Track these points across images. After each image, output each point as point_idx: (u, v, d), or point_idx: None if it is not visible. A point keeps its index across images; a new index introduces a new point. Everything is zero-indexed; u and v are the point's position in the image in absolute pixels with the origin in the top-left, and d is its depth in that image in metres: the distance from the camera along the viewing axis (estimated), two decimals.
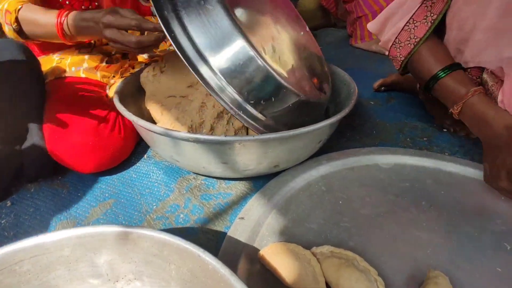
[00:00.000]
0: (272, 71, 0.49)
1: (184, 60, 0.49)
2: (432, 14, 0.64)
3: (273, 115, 0.52)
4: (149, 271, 0.37)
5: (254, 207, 0.55)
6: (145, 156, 0.72)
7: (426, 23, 0.65)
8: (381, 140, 0.79)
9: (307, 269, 0.43)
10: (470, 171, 0.65)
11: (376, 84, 1.07)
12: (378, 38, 0.78)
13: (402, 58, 0.69)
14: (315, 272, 0.43)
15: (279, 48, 0.57)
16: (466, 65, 0.65)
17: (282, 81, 0.50)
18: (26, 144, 0.64)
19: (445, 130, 0.83)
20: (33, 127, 0.64)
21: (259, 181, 0.63)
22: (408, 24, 0.66)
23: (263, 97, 0.50)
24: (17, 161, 0.63)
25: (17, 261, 0.34)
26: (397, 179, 0.64)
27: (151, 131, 0.53)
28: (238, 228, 0.51)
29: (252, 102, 0.50)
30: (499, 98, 0.59)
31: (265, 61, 0.49)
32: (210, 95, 0.61)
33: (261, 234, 0.51)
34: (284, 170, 0.63)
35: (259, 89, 0.50)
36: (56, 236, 0.35)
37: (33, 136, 0.64)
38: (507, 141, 0.54)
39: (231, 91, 0.50)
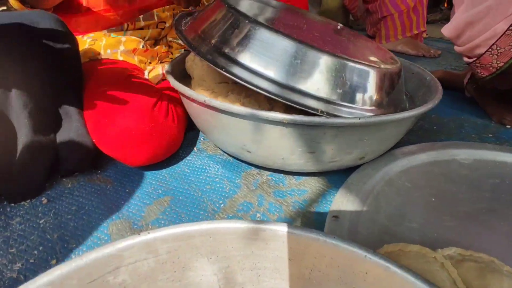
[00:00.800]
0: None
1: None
2: None
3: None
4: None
5: (343, 204, 0.47)
6: (195, 149, 0.63)
7: None
8: (446, 135, 0.73)
9: (442, 274, 0.35)
10: None
11: None
12: (454, 43, 0.72)
13: (501, 65, 0.63)
14: (452, 279, 0.35)
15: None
16: None
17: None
18: (63, 131, 0.54)
19: (508, 126, 0.78)
20: (71, 111, 0.55)
21: (332, 176, 0.56)
22: (510, 28, 0.60)
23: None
24: (52, 152, 0.53)
25: (119, 264, 0.25)
26: (483, 175, 0.57)
27: (230, 113, 0.45)
28: (334, 228, 0.43)
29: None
30: None
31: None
32: None
33: (361, 235, 0.43)
34: (364, 164, 0.56)
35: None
36: (175, 230, 0.26)
37: (72, 122, 0.54)
38: None
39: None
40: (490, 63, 0.65)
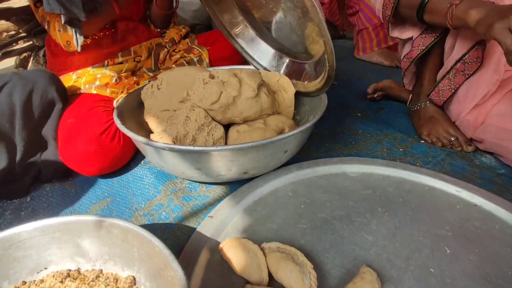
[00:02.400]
0: None
1: None
2: None
3: None
4: (119, 253, 0.46)
5: (223, 208, 0.64)
6: (142, 162, 0.83)
7: None
8: (358, 150, 0.85)
9: (253, 260, 0.50)
10: (431, 181, 0.69)
11: (369, 89, 1.12)
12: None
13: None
14: (260, 263, 0.50)
15: None
16: None
17: None
18: (46, 152, 0.77)
19: (422, 141, 0.87)
20: (51, 138, 0.77)
21: (235, 186, 0.72)
22: None
23: None
24: (37, 167, 0.76)
25: (21, 239, 0.45)
26: (361, 187, 0.70)
27: (137, 141, 0.63)
28: (206, 225, 0.60)
29: None
30: None
31: None
32: (194, 109, 0.71)
33: (226, 231, 0.59)
34: (257, 177, 0.71)
35: None
36: (49, 222, 0.46)
37: (50, 146, 0.77)
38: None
39: None
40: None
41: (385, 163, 0.75)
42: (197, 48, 1.12)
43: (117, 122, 0.69)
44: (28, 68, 1.51)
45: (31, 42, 1.54)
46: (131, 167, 0.81)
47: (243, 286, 0.49)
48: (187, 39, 1.18)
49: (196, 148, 0.58)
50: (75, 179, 0.79)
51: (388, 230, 0.59)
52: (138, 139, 0.62)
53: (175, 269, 0.38)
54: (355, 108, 1.07)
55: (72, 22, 0.76)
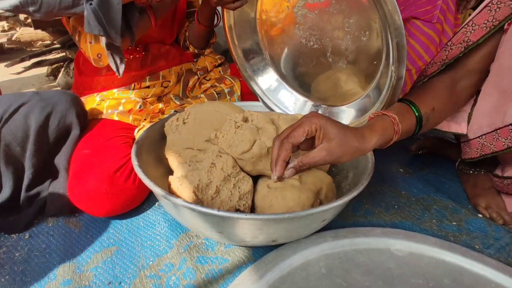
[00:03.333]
0: None
1: None
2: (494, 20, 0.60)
3: None
4: None
5: (244, 282, 0.53)
6: (156, 204, 0.74)
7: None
8: (402, 218, 0.73)
9: None
10: (500, 277, 0.56)
11: (414, 146, 1.00)
12: None
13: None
14: None
15: None
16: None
17: None
18: (55, 183, 0.70)
19: (480, 215, 0.75)
20: (63, 168, 0.70)
21: (260, 250, 0.62)
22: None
23: None
24: (43, 199, 0.69)
25: None
26: (409, 272, 0.58)
27: (154, 191, 0.55)
28: None
29: None
30: None
31: None
32: (221, 156, 0.63)
33: None
34: (286, 243, 0.61)
35: None
36: None
37: (61, 177, 0.69)
38: None
39: None
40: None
41: (438, 243, 0.63)
42: (229, 78, 1.05)
43: (134, 164, 0.60)
44: (58, 78, 1.50)
45: (64, 54, 1.53)
46: (143, 209, 0.73)
47: None
48: (220, 68, 1.11)
49: (221, 213, 0.48)
50: (81, 216, 0.71)
51: None
52: (156, 190, 0.53)
53: None
54: (395, 161, 0.96)
55: (112, 45, 0.70)
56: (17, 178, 0.68)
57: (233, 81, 1.04)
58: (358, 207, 0.75)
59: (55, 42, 1.54)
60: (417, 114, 0.61)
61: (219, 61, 1.11)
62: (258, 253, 0.61)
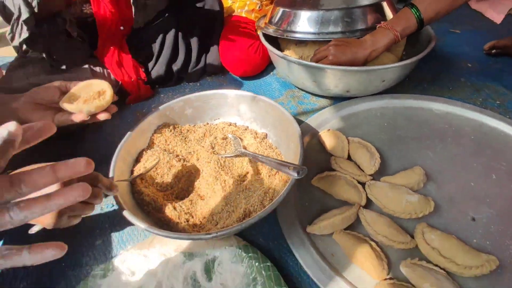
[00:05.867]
0: None
1: None
2: None
3: None
4: (260, 117, 0.77)
5: (326, 112, 0.89)
6: (271, 73, 1.12)
7: None
8: (452, 95, 0.96)
9: (340, 144, 0.76)
10: (510, 129, 0.79)
11: (487, 46, 1.13)
12: None
13: None
14: (344, 146, 0.76)
15: None
16: None
17: None
18: (210, 54, 1.12)
19: None
20: (215, 45, 1.11)
21: (337, 101, 0.95)
22: None
23: None
24: (204, 64, 1.12)
25: (210, 98, 0.80)
26: (440, 122, 0.84)
27: (273, 53, 0.91)
28: (312, 121, 0.86)
29: None
30: None
31: None
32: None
33: (324, 126, 0.85)
34: (356, 97, 0.92)
35: None
36: (226, 92, 0.78)
37: (213, 51, 1.11)
38: None
39: None
40: None
41: (472, 107, 0.87)
42: None
43: (264, 42, 0.96)
44: None
45: None
46: (263, 75, 1.11)
47: (329, 160, 0.76)
48: None
49: (316, 64, 0.82)
50: (225, 77, 1.13)
51: (449, 153, 0.76)
52: (276, 52, 0.89)
53: (295, 127, 0.67)
54: (467, 59, 1.12)
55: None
56: (188, 53, 1.12)
57: None
58: (418, 85, 1.00)
59: None
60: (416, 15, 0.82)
61: None
62: (336, 103, 0.95)
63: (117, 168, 0.63)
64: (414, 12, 0.82)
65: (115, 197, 0.57)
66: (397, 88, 0.94)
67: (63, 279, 0.59)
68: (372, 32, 0.85)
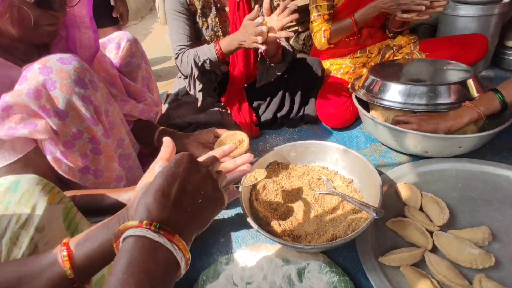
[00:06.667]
0: None
1: None
2: None
3: None
4: (348, 166, 0.99)
5: (405, 167, 1.05)
6: (358, 127, 1.33)
7: None
8: None
9: (414, 196, 0.92)
10: None
11: None
12: None
13: None
14: (417, 198, 0.91)
15: None
16: None
17: None
18: (308, 107, 1.39)
19: None
20: (313, 99, 1.38)
21: (415, 158, 1.11)
22: None
23: None
24: (302, 115, 1.40)
25: (312, 146, 1.05)
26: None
27: (363, 113, 1.12)
28: (391, 173, 1.04)
29: None
30: None
31: None
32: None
33: (401, 179, 1.02)
34: (433, 157, 1.07)
35: None
36: (315, 142, 1.03)
37: (311, 103, 1.38)
38: None
39: None
40: None
41: None
42: (417, 53, 1.46)
43: (356, 103, 1.19)
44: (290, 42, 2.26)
45: (296, 28, 2.25)
46: (351, 128, 1.33)
47: (402, 208, 0.92)
48: (411, 44, 1.52)
49: (399, 128, 1.01)
50: (319, 126, 1.38)
51: (507, 218, 0.85)
52: (365, 113, 1.11)
53: (376, 177, 0.86)
54: None
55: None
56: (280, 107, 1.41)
57: (419, 55, 1.45)
58: (496, 153, 1.10)
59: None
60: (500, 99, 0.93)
61: (412, 40, 1.51)
62: (414, 160, 1.11)
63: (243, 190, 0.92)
64: (498, 97, 0.96)
65: (243, 209, 0.84)
66: (475, 153, 1.06)
67: (198, 261, 0.88)
68: (457, 109, 1.00)
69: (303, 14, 2.18)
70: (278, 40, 1.10)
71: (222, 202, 0.52)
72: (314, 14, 1.39)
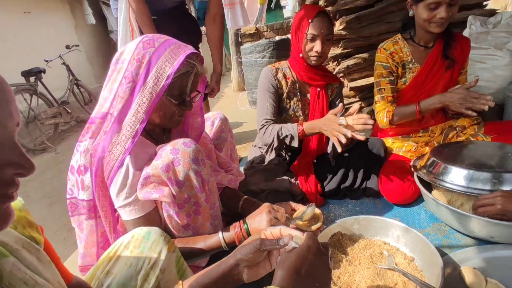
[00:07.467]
0: None
1: None
2: None
3: None
4: (410, 244, 1.06)
5: (472, 251, 1.07)
6: (421, 205, 1.39)
7: None
8: None
9: (478, 281, 0.94)
10: None
11: None
12: None
13: None
14: (481, 284, 0.93)
15: None
16: None
17: None
18: (370, 181, 1.50)
19: None
20: (375, 175, 1.49)
21: (482, 242, 1.12)
22: None
23: None
24: (364, 189, 1.50)
25: (373, 222, 1.15)
26: None
27: (425, 193, 1.20)
28: (455, 255, 1.07)
29: None
30: None
31: None
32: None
33: (465, 263, 1.04)
34: (500, 243, 1.08)
35: None
36: (376, 218, 1.12)
37: (373, 179, 1.49)
38: None
39: None
40: None
41: None
42: (482, 136, 1.51)
43: (418, 183, 1.28)
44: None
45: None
46: (413, 205, 1.39)
47: None
48: (476, 126, 1.58)
49: (462, 212, 1.07)
50: (380, 200, 1.46)
51: None
52: (427, 194, 1.18)
53: (438, 259, 0.92)
54: None
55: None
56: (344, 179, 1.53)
57: (484, 138, 1.49)
58: None
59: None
60: None
61: (475, 121, 1.58)
62: (480, 244, 1.12)
63: None
64: None
65: None
66: None
67: None
68: None
69: (366, 91, 2.38)
70: None
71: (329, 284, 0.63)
72: (378, 96, 1.56)
